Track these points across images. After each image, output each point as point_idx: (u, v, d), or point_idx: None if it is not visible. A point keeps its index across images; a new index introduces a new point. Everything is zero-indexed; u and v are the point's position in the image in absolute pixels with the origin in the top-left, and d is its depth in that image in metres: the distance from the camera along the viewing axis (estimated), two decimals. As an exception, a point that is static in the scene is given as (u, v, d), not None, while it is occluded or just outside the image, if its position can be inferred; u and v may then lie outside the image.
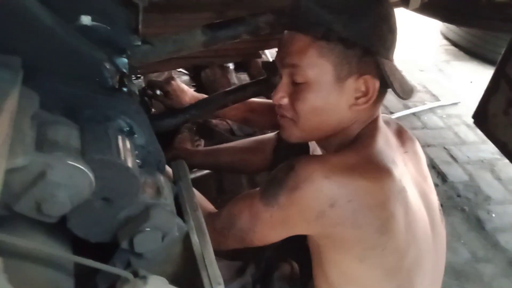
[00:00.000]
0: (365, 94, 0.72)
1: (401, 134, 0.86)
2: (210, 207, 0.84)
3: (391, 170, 0.68)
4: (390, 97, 2.61)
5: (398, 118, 2.42)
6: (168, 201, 0.46)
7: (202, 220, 0.51)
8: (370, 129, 0.76)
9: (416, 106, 2.57)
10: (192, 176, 1.55)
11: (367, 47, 0.70)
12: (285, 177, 0.67)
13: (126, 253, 0.44)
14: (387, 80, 0.70)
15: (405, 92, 0.75)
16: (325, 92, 0.71)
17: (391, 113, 2.49)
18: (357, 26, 0.69)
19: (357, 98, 0.73)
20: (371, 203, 0.66)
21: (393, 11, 0.76)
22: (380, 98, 0.76)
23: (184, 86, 1.14)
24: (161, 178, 0.49)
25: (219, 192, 1.64)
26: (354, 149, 0.73)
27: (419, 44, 3.51)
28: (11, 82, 0.35)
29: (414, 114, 2.50)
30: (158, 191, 0.46)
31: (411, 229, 0.70)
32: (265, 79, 1.27)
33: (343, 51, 0.69)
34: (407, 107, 2.55)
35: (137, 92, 0.61)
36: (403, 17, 2.08)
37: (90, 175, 0.37)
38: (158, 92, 1.10)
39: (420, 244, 0.74)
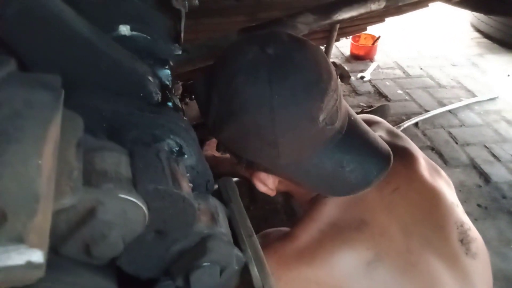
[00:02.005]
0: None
1: (393, 163, 0.70)
2: None
3: (348, 243, 0.61)
4: (423, 94, 2.52)
5: (433, 116, 2.32)
6: (224, 229, 0.41)
7: (259, 247, 0.45)
8: None
9: (451, 103, 2.45)
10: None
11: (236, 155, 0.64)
12: None
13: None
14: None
15: (336, 188, 0.62)
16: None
17: (426, 111, 2.38)
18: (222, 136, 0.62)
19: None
20: None
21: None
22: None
23: None
24: (214, 202, 0.44)
25: (251, 200, 1.60)
26: (306, 223, 0.65)
27: (450, 38, 3.38)
28: (53, 106, 0.31)
29: (450, 111, 2.39)
30: (213, 218, 0.41)
31: None
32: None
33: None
34: (443, 105, 2.44)
35: (180, 105, 0.56)
36: (431, 11, 1.98)
37: (144, 208, 0.32)
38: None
39: None
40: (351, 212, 0.65)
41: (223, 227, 0.41)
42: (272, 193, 0.67)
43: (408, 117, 2.32)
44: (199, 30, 1.06)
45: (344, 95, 2.60)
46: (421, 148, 2.04)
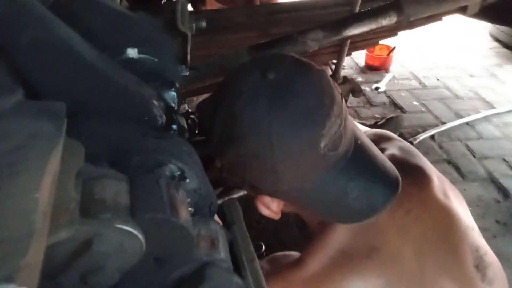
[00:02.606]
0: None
1: (405, 184, 0.68)
2: None
3: (358, 272, 0.60)
4: (440, 106, 2.47)
5: (450, 128, 2.28)
6: (224, 255, 0.41)
7: (261, 273, 0.45)
8: None
9: (469, 114, 2.41)
10: (236, 195, 1.51)
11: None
12: None
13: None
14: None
15: (341, 216, 0.61)
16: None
17: (443, 123, 2.34)
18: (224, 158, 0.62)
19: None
20: None
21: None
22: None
23: None
24: (215, 227, 0.44)
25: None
26: (315, 249, 0.64)
27: (467, 47, 3.32)
28: (54, 136, 0.31)
29: (467, 123, 2.34)
30: (213, 244, 0.41)
31: None
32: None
33: None
34: (460, 116, 2.40)
35: (186, 126, 0.57)
36: (449, 21, 1.95)
37: (141, 237, 0.32)
38: None
39: None
40: (362, 238, 0.63)
41: (223, 254, 0.41)
42: (276, 217, 0.66)
43: (424, 129, 2.28)
44: (211, 46, 1.08)
45: (358, 106, 2.59)
46: (437, 161, 2.02)
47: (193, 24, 0.57)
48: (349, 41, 1.14)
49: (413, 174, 0.71)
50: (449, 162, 2.04)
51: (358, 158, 0.58)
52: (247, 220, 0.72)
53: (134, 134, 0.41)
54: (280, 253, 0.80)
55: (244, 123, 0.54)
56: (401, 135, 2.19)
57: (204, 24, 0.58)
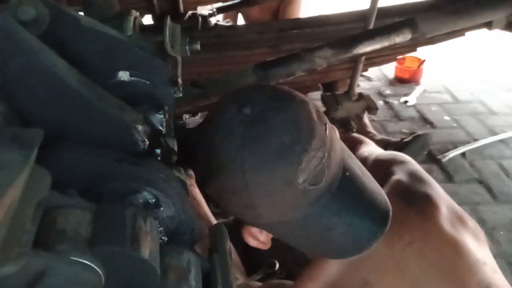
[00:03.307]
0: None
1: (409, 213, 0.65)
2: (238, 269, 0.79)
3: None
4: (472, 122, 2.36)
5: (483, 146, 2.16)
6: (194, 287, 0.40)
7: (237, 304, 0.44)
8: None
9: (504, 131, 2.28)
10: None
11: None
12: None
13: None
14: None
15: (325, 251, 0.60)
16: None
17: (475, 140, 2.23)
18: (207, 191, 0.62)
19: None
20: None
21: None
22: None
23: None
24: (189, 256, 0.43)
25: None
26: (303, 282, 0.62)
27: (503, 61, 3.16)
28: (19, 166, 0.32)
29: (501, 141, 2.22)
30: (183, 276, 0.40)
31: None
32: (325, 113, 1.19)
33: None
34: (494, 133, 2.28)
35: (175, 148, 0.57)
36: (484, 34, 1.87)
37: (99, 270, 0.32)
38: None
39: None
40: (355, 271, 0.60)
41: (193, 285, 0.40)
42: (264, 247, 0.65)
43: (455, 146, 2.18)
44: (223, 62, 1.08)
45: (385, 120, 2.52)
46: (467, 181, 1.92)
47: (186, 47, 0.57)
48: (364, 57, 1.11)
49: (418, 202, 0.67)
50: (481, 182, 1.94)
51: (344, 192, 0.56)
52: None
53: (108, 161, 0.41)
54: (276, 281, 0.78)
55: (219, 159, 0.54)
56: (429, 153, 2.11)
57: (198, 46, 0.59)
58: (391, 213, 0.56)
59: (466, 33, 1.31)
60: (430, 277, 0.62)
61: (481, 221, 1.69)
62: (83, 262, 0.32)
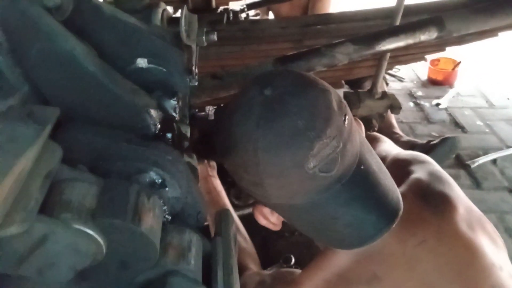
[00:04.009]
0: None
1: (424, 212, 0.64)
2: (253, 260, 0.79)
3: None
4: (506, 128, 2.26)
5: (515, 153, 2.07)
6: (191, 266, 0.41)
7: (236, 287, 0.45)
8: None
9: (541, 139, 2.17)
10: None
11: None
12: None
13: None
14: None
15: (330, 240, 0.60)
16: None
17: (508, 147, 2.14)
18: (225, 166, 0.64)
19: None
20: None
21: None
22: None
23: None
24: (190, 236, 0.44)
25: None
26: (311, 271, 0.63)
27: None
28: (32, 140, 0.35)
29: (537, 149, 2.11)
30: (182, 254, 0.42)
31: None
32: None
33: None
34: (529, 141, 2.17)
35: (188, 134, 0.58)
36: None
37: (99, 239, 0.34)
38: None
39: None
40: (364, 264, 0.60)
41: (192, 264, 0.42)
42: (274, 228, 0.66)
43: (486, 152, 2.10)
44: (246, 56, 1.10)
45: (414, 122, 2.45)
46: (496, 188, 1.85)
47: (203, 37, 0.59)
48: (388, 55, 1.09)
49: (435, 202, 0.66)
50: (511, 190, 1.86)
51: (355, 184, 0.56)
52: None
53: (119, 141, 0.44)
54: (285, 270, 0.79)
55: (236, 135, 0.56)
56: (458, 157, 2.04)
57: (215, 37, 0.60)
58: (401, 212, 0.56)
59: (499, 34, 1.26)
60: (442, 277, 0.61)
61: (508, 231, 1.63)
62: (84, 231, 0.34)
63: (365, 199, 0.56)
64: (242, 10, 1.98)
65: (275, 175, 0.54)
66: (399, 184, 0.67)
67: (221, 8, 1.82)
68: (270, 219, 0.64)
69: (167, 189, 0.45)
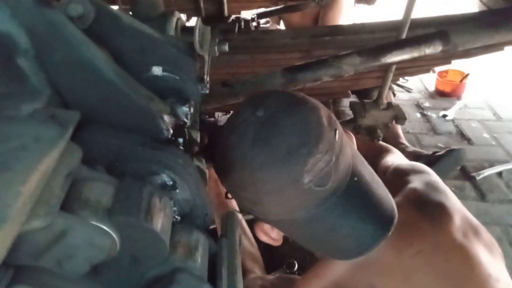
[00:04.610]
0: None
1: (421, 222, 0.66)
2: (257, 264, 0.82)
3: None
4: (512, 140, 2.22)
5: (522, 167, 2.06)
6: (198, 264, 0.44)
7: (239, 286, 0.47)
8: None
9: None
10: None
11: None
12: None
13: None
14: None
15: (329, 252, 0.62)
16: None
17: (514, 159, 2.13)
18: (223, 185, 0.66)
19: None
20: None
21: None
22: None
23: None
24: (198, 236, 0.47)
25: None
26: (309, 278, 0.65)
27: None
28: (55, 140, 0.37)
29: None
30: (190, 253, 0.44)
31: None
32: (352, 120, 1.20)
33: None
34: (537, 154, 2.16)
35: (198, 139, 0.61)
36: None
37: (114, 235, 0.37)
38: None
39: None
40: (361, 273, 0.62)
41: (199, 262, 0.44)
42: (275, 243, 0.68)
43: (491, 164, 2.10)
44: (256, 65, 1.12)
45: (421, 133, 2.46)
46: (501, 201, 1.85)
47: (215, 47, 0.61)
48: (394, 66, 1.12)
49: (431, 211, 0.68)
50: (516, 203, 1.86)
51: (350, 195, 0.58)
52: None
53: (134, 144, 0.46)
54: (286, 276, 0.81)
55: (232, 156, 0.58)
56: (463, 169, 2.05)
57: (226, 48, 0.63)
58: (396, 220, 0.58)
59: (505, 48, 1.27)
60: (438, 287, 0.62)
61: (513, 244, 1.62)
62: (101, 227, 0.36)
63: (360, 210, 0.58)
64: (253, 19, 2.02)
65: (272, 193, 0.56)
66: (396, 193, 0.69)
67: (233, 16, 1.86)
68: (271, 235, 0.66)
69: (177, 191, 0.47)
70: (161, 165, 0.46)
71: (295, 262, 1.42)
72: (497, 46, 1.22)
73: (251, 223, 1.05)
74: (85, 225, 0.35)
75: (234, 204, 1.04)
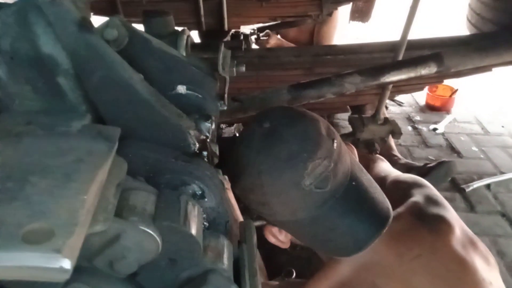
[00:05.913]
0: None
1: (420, 230, 0.72)
2: (261, 272, 0.88)
3: None
4: (501, 154, 2.34)
5: (509, 179, 2.15)
6: (226, 266, 0.49)
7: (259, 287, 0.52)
8: None
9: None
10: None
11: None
12: None
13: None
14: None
15: (331, 250, 0.68)
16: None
17: (502, 173, 2.22)
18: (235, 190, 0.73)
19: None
20: None
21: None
22: None
23: None
24: (224, 241, 0.52)
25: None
26: (318, 279, 0.71)
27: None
28: (106, 154, 0.42)
29: (531, 176, 2.20)
30: (219, 255, 0.49)
31: None
32: (351, 134, 1.26)
33: None
34: (523, 168, 2.25)
35: (217, 152, 0.66)
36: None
37: (158, 239, 0.42)
38: None
39: None
40: (365, 273, 0.68)
41: (226, 265, 0.49)
42: (283, 246, 0.73)
43: (480, 177, 2.18)
44: (261, 80, 1.19)
45: (412, 146, 2.55)
46: (489, 212, 1.93)
47: (234, 68, 0.67)
48: (391, 85, 1.19)
49: (431, 222, 0.74)
50: (503, 214, 1.94)
51: (348, 197, 0.64)
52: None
53: (167, 157, 0.51)
54: (294, 279, 0.86)
55: (242, 163, 0.66)
56: (453, 181, 2.13)
57: (243, 68, 0.68)
58: (390, 219, 0.64)
59: (493, 69, 1.36)
60: None
61: (501, 254, 1.70)
62: (148, 232, 0.41)
63: (357, 210, 0.64)
64: (252, 34, 2.09)
65: (277, 194, 0.63)
66: (398, 205, 0.75)
67: (233, 30, 1.93)
68: (279, 238, 0.72)
69: (205, 199, 0.52)
70: (192, 177, 0.51)
71: (293, 270, 1.46)
72: (486, 67, 1.30)
73: (258, 229, 1.10)
74: (135, 229, 0.40)
75: (238, 212, 1.09)
